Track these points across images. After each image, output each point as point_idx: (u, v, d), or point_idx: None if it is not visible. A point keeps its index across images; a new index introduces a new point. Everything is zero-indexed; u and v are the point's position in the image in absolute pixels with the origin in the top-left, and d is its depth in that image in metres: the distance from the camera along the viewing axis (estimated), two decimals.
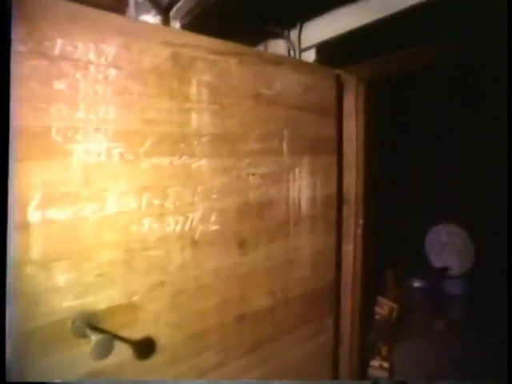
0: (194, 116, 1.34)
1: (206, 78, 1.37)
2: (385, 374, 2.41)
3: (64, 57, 1.02)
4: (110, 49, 1.10)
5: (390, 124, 3.39)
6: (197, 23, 1.82)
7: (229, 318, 1.47)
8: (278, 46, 2.11)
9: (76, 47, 1.04)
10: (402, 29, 1.60)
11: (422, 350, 2.77)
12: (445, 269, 3.73)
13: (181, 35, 1.38)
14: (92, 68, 1.07)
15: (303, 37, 2.01)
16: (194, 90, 1.34)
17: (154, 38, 1.22)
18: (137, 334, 1.19)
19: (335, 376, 2.02)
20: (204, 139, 1.37)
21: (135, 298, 1.19)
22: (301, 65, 1.83)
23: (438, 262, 3.83)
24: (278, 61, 1.64)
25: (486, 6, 1.31)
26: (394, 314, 2.91)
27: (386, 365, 2.48)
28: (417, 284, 3.73)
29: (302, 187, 1.73)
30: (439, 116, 3.71)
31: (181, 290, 1.31)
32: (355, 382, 2.13)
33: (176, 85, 1.28)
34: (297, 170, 1.70)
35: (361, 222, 2.04)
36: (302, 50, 2.01)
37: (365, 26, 1.68)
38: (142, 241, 1.20)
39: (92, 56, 1.07)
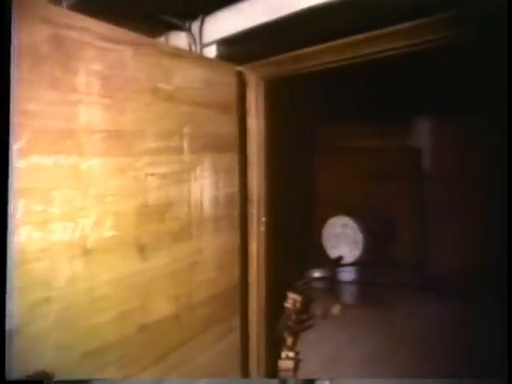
0: (82, 110, 1.21)
1: (97, 67, 1.25)
2: (290, 364, 2.50)
3: None
4: None
5: (293, 121, 3.55)
6: (85, 5, 1.63)
7: (130, 330, 1.36)
8: (179, 40, 2.01)
9: None
10: (304, 27, 1.63)
11: (322, 335, 2.97)
12: (339, 258, 4.06)
13: (64, 14, 1.23)
14: None
15: (205, 31, 1.95)
16: (81, 79, 1.20)
17: (26, 10, 1.05)
18: None
19: (246, 371, 2.02)
20: (95, 136, 1.24)
21: (10, 321, 1.01)
22: (201, 59, 1.78)
23: (333, 252, 4.14)
24: (177, 54, 1.56)
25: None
26: (298, 305, 3.04)
27: (291, 354, 2.58)
28: (317, 274, 4.00)
29: (204, 186, 1.68)
30: (349, 113, 4.00)
31: (70, 306, 1.16)
32: (264, 380, 2.16)
33: (59, 72, 1.13)
34: (198, 169, 1.65)
35: (264, 219, 2.07)
36: (203, 45, 1.95)
37: (268, 23, 1.67)
38: (19, 253, 1.03)
39: None
